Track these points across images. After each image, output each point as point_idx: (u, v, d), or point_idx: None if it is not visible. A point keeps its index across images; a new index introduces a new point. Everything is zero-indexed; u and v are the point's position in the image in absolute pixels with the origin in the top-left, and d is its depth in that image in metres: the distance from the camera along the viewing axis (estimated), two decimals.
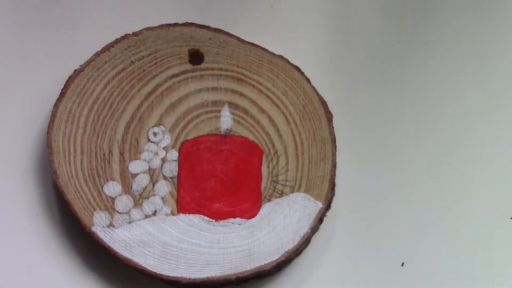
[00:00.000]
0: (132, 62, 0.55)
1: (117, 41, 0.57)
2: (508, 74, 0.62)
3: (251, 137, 0.57)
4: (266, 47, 0.57)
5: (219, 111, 0.56)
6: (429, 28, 0.62)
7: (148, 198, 0.56)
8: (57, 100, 0.56)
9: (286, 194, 0.57)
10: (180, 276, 0.55)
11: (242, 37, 0.57)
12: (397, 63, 0.62)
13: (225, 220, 0.57)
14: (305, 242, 0.56)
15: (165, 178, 0.56)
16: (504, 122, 0.62)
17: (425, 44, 0.62)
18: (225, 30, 0.57)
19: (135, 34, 0.55)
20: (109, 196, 0.56)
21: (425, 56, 0.62)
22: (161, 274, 0.55)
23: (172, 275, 0.55)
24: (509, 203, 0.60)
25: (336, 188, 0.58)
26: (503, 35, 0.62)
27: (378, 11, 0.61)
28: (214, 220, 0.56)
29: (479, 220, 0.59)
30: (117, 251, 0.55)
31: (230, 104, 0.56)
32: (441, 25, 0.62)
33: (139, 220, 0.56)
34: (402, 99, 0.61)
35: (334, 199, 0.58)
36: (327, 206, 0.57)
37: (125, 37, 0.57)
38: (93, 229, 0.55)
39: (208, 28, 0.55)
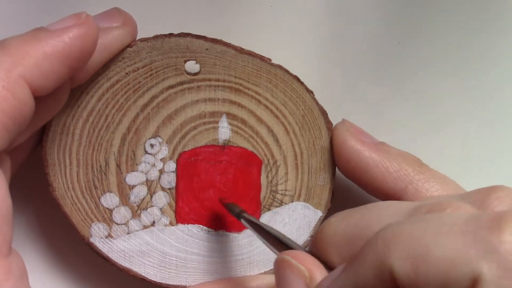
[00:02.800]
0: (127, 73, 0.54)
1: None
2: (510, 74, 0.61)
3: (250, 148, 0.56)
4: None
5: (217, 122, 0.55)
6: (430, 28, 0.61)
7: (146, 209, 0.56)
8: None
9: (286, 204, 0.57)
10: (180, 284, 0.56)
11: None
12: (397, 64, 0.60)
13: (224, 230, 0.56)
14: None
15: (163, 189, 0.56)
16: (505, 122, 0.62)
17: (426, 45, 0.60)
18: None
19: (129, 45, 0.53)
20: (107, 208, 0.55)
21: (426, 57, 0.61)
22: (161, 283, 0.55)
23: (172, 283, 0.56)
24: None
25: (335, 194, 0.57)
26: (505, 36, 0.62)
27: (378, 11, 0.60)
28: (213, 230, 0.56)
29: None
30: (116, 261, 0.55)
31: (228, 115, 0.55)
32: (442, 25, 0.61)
33: (137, 230, 0.55)
34: (404, 103, 0.61)
35: (333, 205, 0.57)
36: (327, 215, 0.57)
37: None
38: (91, 240, 0.55)
39: (205, 38, 0.53)
